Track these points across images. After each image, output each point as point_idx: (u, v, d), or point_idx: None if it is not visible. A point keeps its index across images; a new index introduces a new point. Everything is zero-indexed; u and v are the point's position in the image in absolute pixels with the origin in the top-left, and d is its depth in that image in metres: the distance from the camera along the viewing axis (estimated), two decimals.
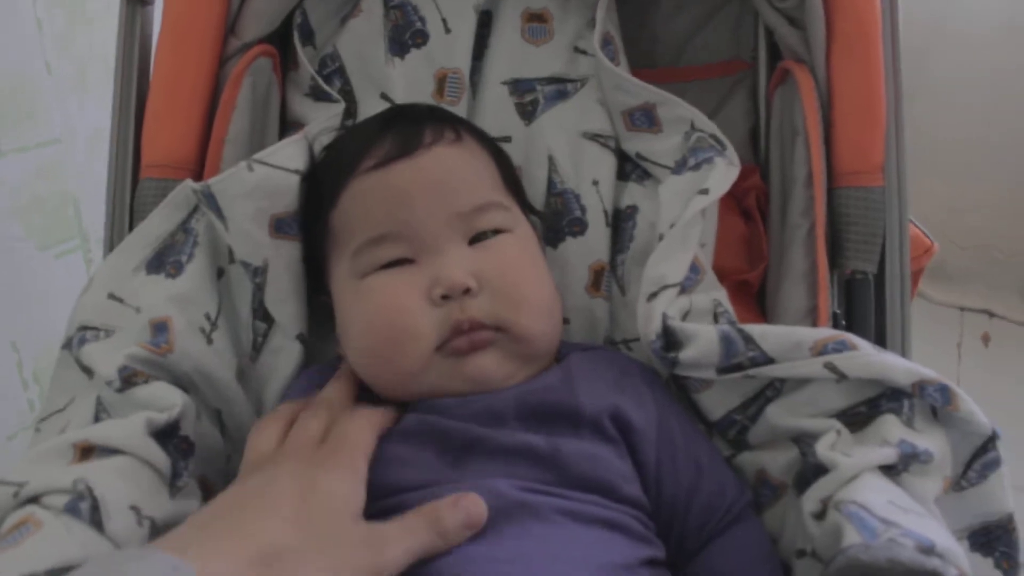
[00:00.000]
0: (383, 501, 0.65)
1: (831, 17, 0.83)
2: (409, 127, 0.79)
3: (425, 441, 0.69)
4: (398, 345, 0.72)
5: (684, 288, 0.78)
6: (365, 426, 0.69)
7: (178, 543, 0.55)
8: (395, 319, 0.72)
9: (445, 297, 0.72)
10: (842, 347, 0.69)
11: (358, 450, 0.66)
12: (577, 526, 0.64)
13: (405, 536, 0.60)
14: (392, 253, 0.75)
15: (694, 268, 0.78)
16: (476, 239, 0.76)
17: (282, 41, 0.96)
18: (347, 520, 0.61)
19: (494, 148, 0.85)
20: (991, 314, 2.23)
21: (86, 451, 0.67)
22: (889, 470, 0.66)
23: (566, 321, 0.87)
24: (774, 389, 0.73)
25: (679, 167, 0.84)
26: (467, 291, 0.72)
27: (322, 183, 0.82)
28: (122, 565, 0.51)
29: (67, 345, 0.77)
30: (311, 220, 0.82)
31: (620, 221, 0.88)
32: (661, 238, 0.79)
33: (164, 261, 0.79)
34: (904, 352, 0.81)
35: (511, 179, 0.84)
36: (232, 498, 0.61)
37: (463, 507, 0.62)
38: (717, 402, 0.76)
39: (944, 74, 2.10)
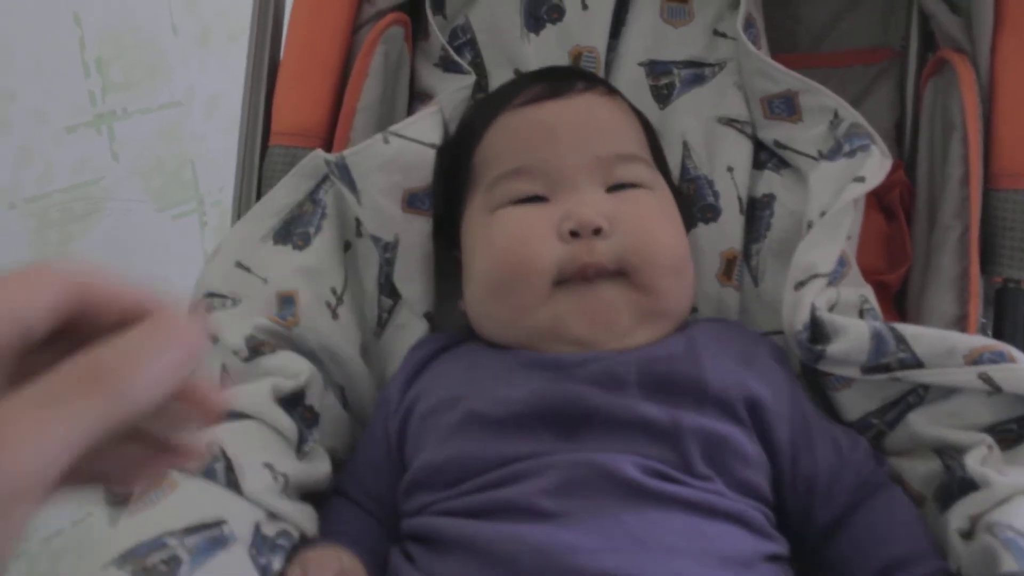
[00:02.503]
0: (488, 474, 0.64)
1: (1001, 4, 0.79)
2: (562, 76, 0.81)
3: (538, 408, 0.66)
4: (517, 275, 0.71)
5: (831, 280, 0.75)
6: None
7: None
8: (519, 249, 0.72)
9: (574, 234, 0.70)
10: (999, 358, 0.66)
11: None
12: (698, 518, 0.62)
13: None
14: (527, 188, 0.74)
15: (841, 261, 0.75)
16: (614, 188, 0.75)
17: (412, 9, 0.95)
18: None
19: (643, 118, 0.84)
20: None
21: None
22: None
23: (695, 309, 0.84)
24: (916, 396, 0.70)
25: (832, 154, 0.80)
26: (598, 231, 0.70)
27: (470, 121, 0.82)
28: None
29: (192, 311, 0.77)
30: (454, 162, 0.81)
31: (756, 210, 0.85)
32: (810, 226, 0.76)
33: (292, 232, 0.80)
34: None
35: (657, 151, 0.83)
36: None
37: None
38: (855, 403, 0.73)
39: None
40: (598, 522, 0.60)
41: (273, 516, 0.63)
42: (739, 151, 0.87)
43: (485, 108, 0.82)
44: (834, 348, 0.70)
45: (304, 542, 0.65)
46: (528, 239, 0.71)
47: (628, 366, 0.68)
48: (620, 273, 0.71)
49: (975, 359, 0.66)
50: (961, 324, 0.76)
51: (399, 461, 0.72)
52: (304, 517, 0.66)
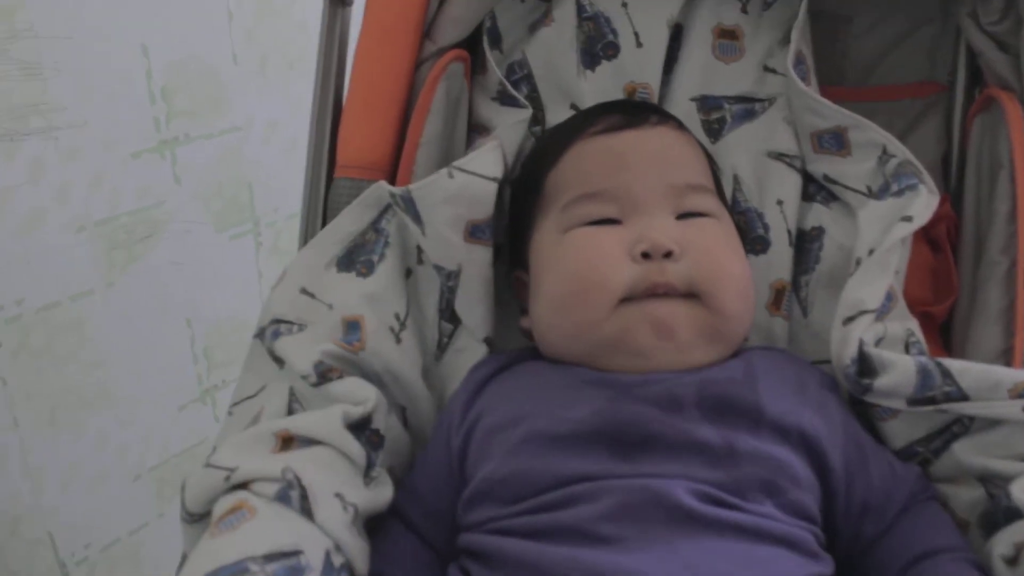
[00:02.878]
0: (548, 494, 0.66)
1: None
2: (637, 107, 0.85)
3: (599, 427, 0.68)
4: (587, 291, 0.74)
5: (878, 315, 0.76)
6: None
7: None
8: (593, 265, 0.74)
9: (646, 256, 0.73)
10: None
11: None
12: (750, 543, 0.63)
13: None
14: (602, 211, 0.77)
15: (888, 295, 0.77)
16: (683, 216, 0.78)
17: (471, 45, 0.98)
18: None
19: (707, 151, 0.88)
20: None
21: (287, 440, 0.70)
22: None
23: (745, 339, 0.86)
24: (962, 426, 0.72)
25: (881, 192, 0.82)
26: (668, 255, 0.73)
27: (546, 146, 0.85)
28: None
29: (260, 335, 0.80)
30: (526, 185, 0.85)
31: (804, 242, 0.88)
32: (859, 263, 0.78)
33: (355, 259, 0.82)
34: None
35: (718, 183, 0.87)
36: None
37: None
38: (901, 432, 0.75)
39: None
40: (653, 548, 0.61)
41: (339, 547, 0.65)
42: (788, 185, 0.89)
43: (560, 135, 0.85)
44: (881, 382, 0.72)
45: None
46: (601, 258, 0.74)
47: (688, 387, 0.70)
48: (690, 295, 0.74)
49: (1020, 393, 0.68)
50: (1006, 357, 0.78)
51: (460, 476, 0.75)
52: (361, 556, 0.68)
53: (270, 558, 0.59)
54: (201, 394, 1.64)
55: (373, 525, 0.74)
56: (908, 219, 0.77)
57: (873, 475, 0.71)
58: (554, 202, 0.80)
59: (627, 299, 0.73)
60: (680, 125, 0.85)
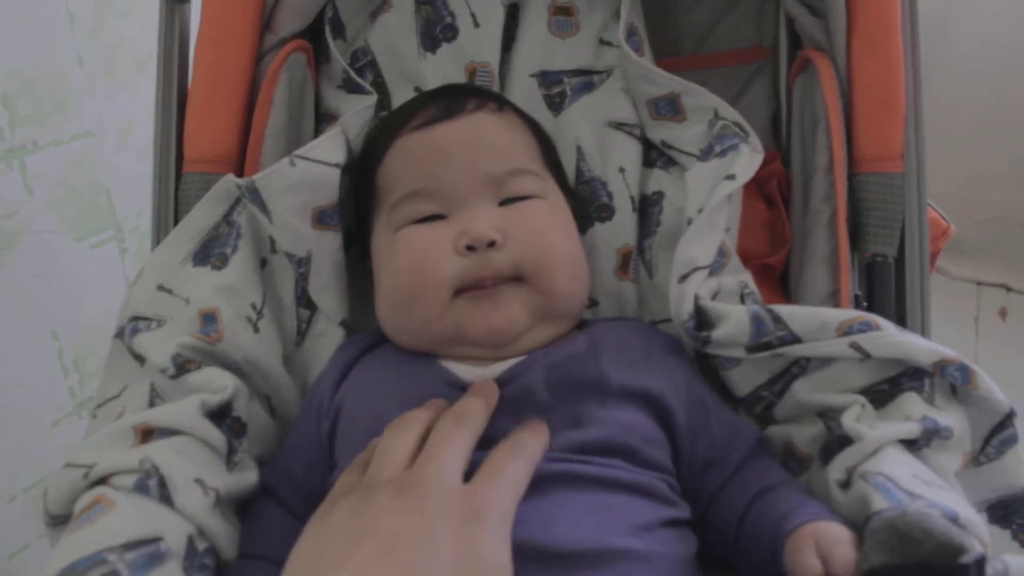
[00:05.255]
0: None
1: (852, 7, 0.85)
2: (455, 96, 0.85)
3: None
4: (418, 290, 0.76)
5: (712, 271, 0.80)
6: (525, 462, 0.62)
7: None
8: (420, 265, 0.76)
9: (471, 248, 0.75)
10: (866, 327, 0.72)
11: (517, 498, 0.59)
12: (601, 491, 0.66)
13: None
14: (426, 208, 0.79)
15: (721, 251, 0.81)
16: (506, 202, 0.80)
17: (314, 35, 0.99)
18: None
19: (536, 127, 0.89)
20: (1008, 288, 2.23)
21: (147, 433, 0.70)
22: (910, 445, 0.68)
23: (596, 303, 0.90)
24: (800, 367, 0.76)
25: (705, 154, 0.86)
26: (492, 244, 0.75)
27: (372, 144, 0.86)
28: None
29: (119, 335, 0.80)
30: (360, 183, 0.86)
31: (647, 207, 0.91)
32: (689, 222, 0.82)
33: (209, 253, 0.83)
34: (924, 332, 0.84)
35: (551, 157, 0.89)
36: (378, 542, 0.52)
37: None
38: (745, 379, 0.79)
39: (960, 46, 2.10)
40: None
41: (202, 532, 0.66)
42: (629, 152, 0.92)
43: (385, 131, 0.86)
44: (718, 333, 0.75)
45: (221, 565, 0.67)
46: (427, 256, 0.76)
47: (536, 376, 0.73)
48: (517, 279, 0.76)
49: (846, 330, 0.72)
50: (835, 298, 0.83)
51: (331, 458, 0.76)
52: (227, 539, 0.68)
53: (128, 547, 0.59)
54: (75, 407, 1.59)
55: (246, 510, 0.75)
56: (731, 177, 0.81)
57: (715, 431, 0.74)
58: (384, 201, 0.82)
59: (460, 291, 0.75)
60: (500, 106, 0.86)
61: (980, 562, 0.54)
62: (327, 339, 0.86)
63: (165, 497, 0.64)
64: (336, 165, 0.84)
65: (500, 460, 0.60)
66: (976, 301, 2.19)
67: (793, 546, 0.61)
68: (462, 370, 0.76)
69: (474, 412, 0.65)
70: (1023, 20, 2.07)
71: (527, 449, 0.63)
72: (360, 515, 0.54)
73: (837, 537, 0.60)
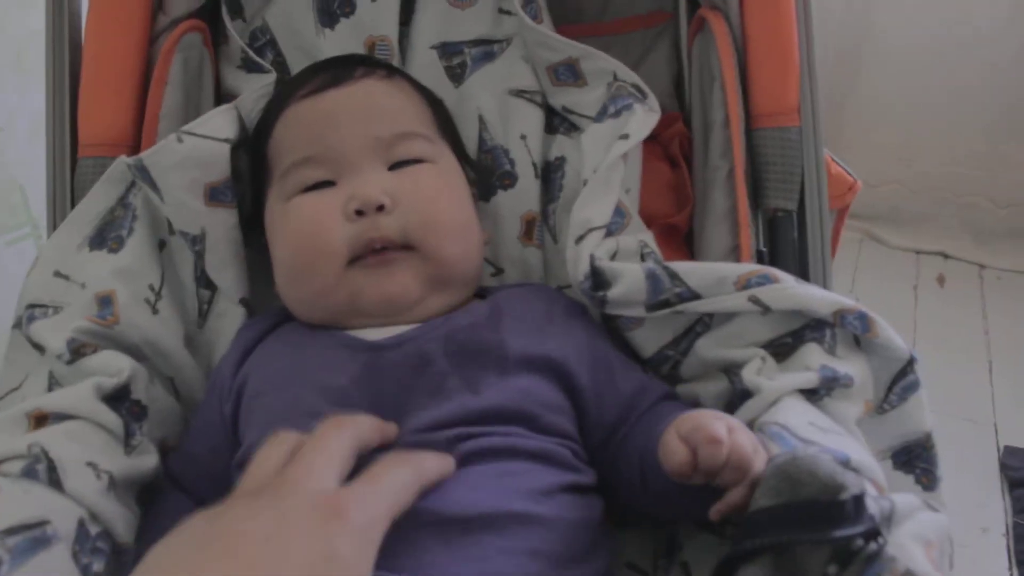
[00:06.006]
0: None
1: None
2: (344, 65, 0.85)
3: (356, 398, 0.70)
4: (312, 259, 0.76)
5: (610, 231, 0.81)
6: (411, 473, 0.60)
7: None
8: (311, 233, 0.76)
9: (360, 213, 0.75)
10: (765, 280, 0.73)
11: (394, 506, 0.57)
12: (503, 461, 0.66)
13: None
14: (315, 175, 0.78)
15: (619, 212, 0.81)
16: (396, 166, 0.79)
17: (211, 16, 0.97)
18: None
19: (429, 94, 0.89)
20: (946, 256, 2.29)
21: (40, 419, 0.69)
22: (812, 395, 0.70)
23: (501, 271, 0.90)
24: (703, 324, 0.77)
25: (600, 115, 0.87)
26: (381, 208, 0.75)
27: (263, 117, 0.86)
28: None
29: (17, 324, 0.79)
30: (251, 157, 0.86)
31: (550, 172, 0.92)
32: (585, 183, 0.82)
33: (106, 237, 0.81)
34: (825, 284, 0.85)
35: (445, 123, 0.88)
36: (223, 545, 0.50)
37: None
38: (649, 339, 0.79)
39: (890, 27, 2.14)
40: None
41: (95, 516, 0.65)
42: (530, 120, 0.92)
43: (274, 102, 0.85)
44: (614, 292, 0.76)
45: (117, 549, 0.66)
46: (318, 224, 0.76)
47: (435, 342, 0.73)
48: (407, 247, 0.76)
49: (744, 284, 0.73)
50: (735, 253, 0.84)
51: (235, 439, 0.75)
52: (122, 522, 0.67)
53: (11, 532, 0.58)
54: None
55: (149, 497, 0.74)
56: (625, 137, 0.82)
57: (621, 389, 0.75)
58: (275, 171, 0.82)
59: (354, 260, 0.75)
60: (390, 73, 0.86)
61: (858, 498, 0.54)
62: (228, 319, 0.84)
63: (54, 481, 0.63)
64: (226, 140, 0.83)
65: (382, 467, 0.58)
66: (915, 269, 2.23)
67: (661, 447, 0.62)
68: (362, 332, 0.76)
69: (355, 422, 0.62)
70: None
71: (419, 464, 0.61)
72: (213, 523, 0.52)
73: (696, 419, 0.61)
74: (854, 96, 2.24)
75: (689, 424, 0.61)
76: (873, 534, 0.54)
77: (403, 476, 0.59)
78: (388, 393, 0.70)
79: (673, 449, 0.60)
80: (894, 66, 2.18)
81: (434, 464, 0.62)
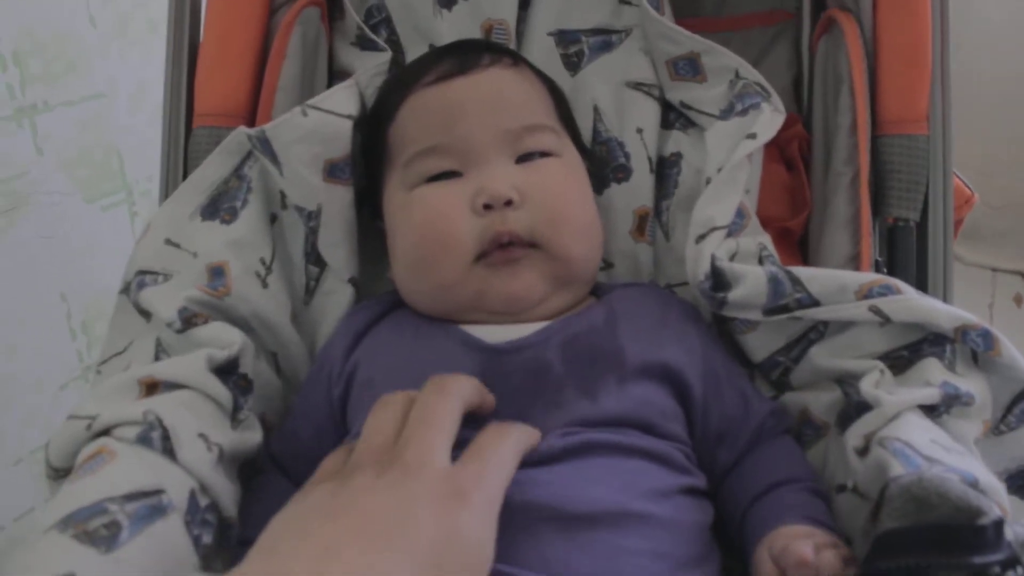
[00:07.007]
0: None
1: None
2: (469, 51, 0.83)
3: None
4: (438, 252, 0.74)
5: (730, 232, 0.79)
6: (512, 446, 0.60)
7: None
8: (437, 226, 0.75)
9: (487, 207, 0.74)
10: (887, 291, 0.71)
11: (504, 482, 0.57)
12: (618, 457, 0.65)
13: None
14: (441, 165, 0.77)
15: (739, 213, 0.79)
16: (523, 159, 0.78)
17: None
18: None
19: (551, 84, 0.87)
20: None
21: (151, 387, 0.69)
22: (931, 411, 0.67)
23: (611, 265, 0.89)
24: (818, 332, 0.75)
25: (725, 113, 0.85)
26: (509, 203, 0.74)
27: (384, 100, 0.85)
28: None
29: (125, 290, 0.79)
30: (371, 140, 0.84)
31: (664, 168, 0.90)
32: (708, 182, 0.80)
33: (219, 207, 0.81)
34: (946, 299, 0.82)
35: (566, 114, 0.87)
36: (352, 520, 0.50)
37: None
38: (761, 343, 0.77)
39: (986, 23, 2.08)
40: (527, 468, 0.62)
41: (204, 488, 0.65)
42: (647, 113, 0.91)
43: (397, 86, 0.84)
44: (735, 294, 0.74)
45: (223, 523, 0.66)
46: (445, 216, 0.75)
47: (554, 349, 0.72)
48: (533, 245, 0.75)
49: (865, 294, 0.71)
50: (855, 262, 0.81)
51: (343, 424, 0.75)
52: (228, 496, 0.67)
53: (130, 498, 0.58)
54: (83, 371, 1.59)
55: (249, 474, 0.74)
56: (752, 136, 0.80)
57: (727, 403, 0.73)
58: (397, 158, 0.80)
59: (480, 257, 0.74)
60: (515, 61, 0.85)
61: (998, 524, 0.52)
62: (336, 297, 0.84)
63: (168, 450, 0.63)
64: (349, 116, 0.82)
65: (487, 441, 0.59)
66: (991, 287, 2.18)
67: (754, 567, 0.64)
68: (480, 331, 0.75)
69: (460, 386, 0.62)
70: None
71: (515, 434, 0.61)
72: (338, 495, 0.53)
73: (786, 538, 0.61)
74: None
75: (780, 544, 0.61)
76: (1013, 563, 0.52)
77: (508, 450, 0.59)
78: (505, 397, 0.68)
79: (765, 573, 0.61)
80: (979, 71, 2.11)
81: (525, 435, 0.62)
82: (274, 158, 0.80)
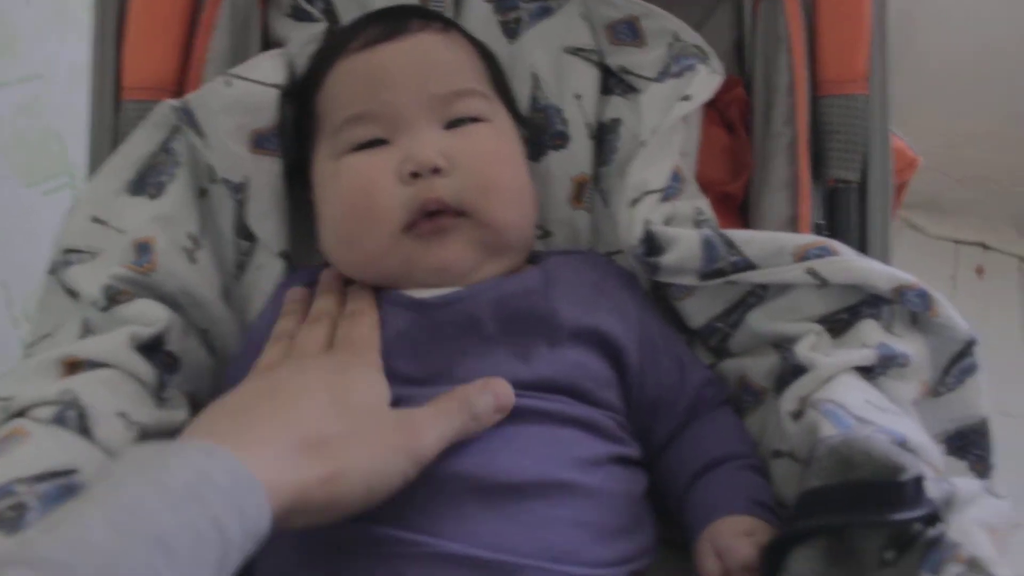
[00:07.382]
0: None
1: None
2: (398, 16, 0.81)
3: (403, 354, 0.68)
4: (365, 223, 0.73)
5: (666, 196, 0.78)
6: (369, 325, 0.69)
7: (212, 432, 0.54)
8: (364, 195, 0.73)
9: (415, 175, 0.72)
10: (824, 252, 0.70)
11: (372, 347, 0.67)
12: (547, 424, 0.65)
13: (439, 420, 0.60)
14: (368, 132, 0.75)
15: (675, 176, 0.79)
16: (452, 125, 0.76)
17: None
18: (381, 408, 0.61)
19: (484, 48, 0.86)
20: (985, 246, 2.24)
21: (72, 366, 0.68)
22: (867, 373, 0.68)
23: (549, 233, 0.87)
24: (756, 296, 0.74)
25: (661, 75, 0.84)
26: (437, 170, 0.72)
27: (312, 68, 0.83)
28: (164, 458, 0.48)
29: (52, 270, 0.77)
30: (299, 108, 0.83)
31: (604, 134, 0.88)
32: (643, 145, 0.79)
33: (146, 182, 0.80)
34: (885, 260, 0.82)
35: (499, 80, 0.85)
36: (258, 391, 0.60)
37: (491, 390, 0.63)
38: (699, 309, 0.77)
39: (943, 1, 2.08)
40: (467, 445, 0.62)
41: None
42: (586, 79, 0.89)
43: (325, 54, 0.82)
44: (667, 258, 0.73)
45: None
46: (371, 185, 0.73)
47: (486, 306, 0.70)
48: (463, 213, 0.73)
49: (802, 256, 0.70)
50: (794, 224, 0.81)
51: None
52: None
53: (40, 478, 0.57)
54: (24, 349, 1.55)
55: None
56: (687, 98, 0.79)
57: (663, 370, 0.73)
58: (325, 126, 0.78)
59: (409, 227, 0.72)
60: (446, 26, 0.82)
61: (918, 480, 0.52)
62: (267, 271, 0.82)
63: (84, 429, 0.62)
64: (275, 85, 0.80)
65: (350, 331, 0.70)
66: (954, 259, 2.19)
67: (696, 557, 0.64)
68: (411, 290, 0.73)
69: (321, 307, 0.74)
70: None
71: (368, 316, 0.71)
72: (303, 372, 0.63)
73: (730, 532, 0.62)
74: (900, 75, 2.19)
75: (724, 543, 0.62)
76: (933, 519, 0.52)
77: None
78: (433, 351, 0.68)
79: (708, 569, 0.62)
80: (940, 45, 2.12)
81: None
82: (199, 129, 0.78)
